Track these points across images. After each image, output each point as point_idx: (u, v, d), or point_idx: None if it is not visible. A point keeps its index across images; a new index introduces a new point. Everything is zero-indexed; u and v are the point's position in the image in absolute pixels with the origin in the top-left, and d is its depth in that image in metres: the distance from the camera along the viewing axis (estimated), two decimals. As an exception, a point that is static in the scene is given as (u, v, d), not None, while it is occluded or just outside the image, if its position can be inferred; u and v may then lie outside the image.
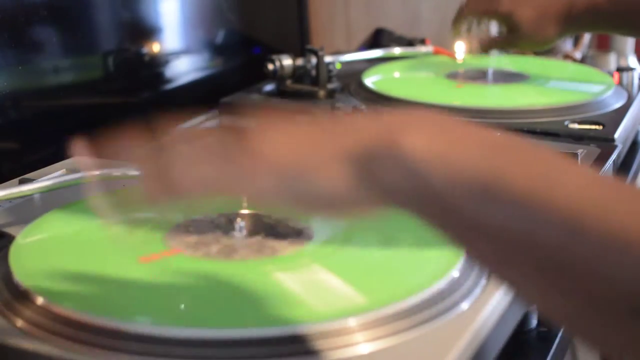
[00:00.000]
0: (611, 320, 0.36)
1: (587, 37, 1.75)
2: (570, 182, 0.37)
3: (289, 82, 1.19)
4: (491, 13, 1.04)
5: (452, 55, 1.25)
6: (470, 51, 1.15)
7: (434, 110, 0.42)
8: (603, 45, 1.82)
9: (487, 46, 1.08)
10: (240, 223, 0.60)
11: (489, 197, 0.37)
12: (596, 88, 1.07)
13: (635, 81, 1.10)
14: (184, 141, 0.46)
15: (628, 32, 1.04)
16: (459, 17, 1.08)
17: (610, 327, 0.37)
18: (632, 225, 0.34)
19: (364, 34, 1.55)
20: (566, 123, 0.94)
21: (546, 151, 0.39)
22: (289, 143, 0.43)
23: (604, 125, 0.94)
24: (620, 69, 1.13)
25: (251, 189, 0.44)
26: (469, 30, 1.08)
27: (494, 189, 0.37)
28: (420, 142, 0.40)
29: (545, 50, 1.16)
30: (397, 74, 1.30)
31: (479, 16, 1.08)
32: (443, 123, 0.41)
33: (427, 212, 0.41)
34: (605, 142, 0.91)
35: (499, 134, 0.40)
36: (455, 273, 0.54)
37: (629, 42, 1.74)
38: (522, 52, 1.30)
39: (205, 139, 0.46)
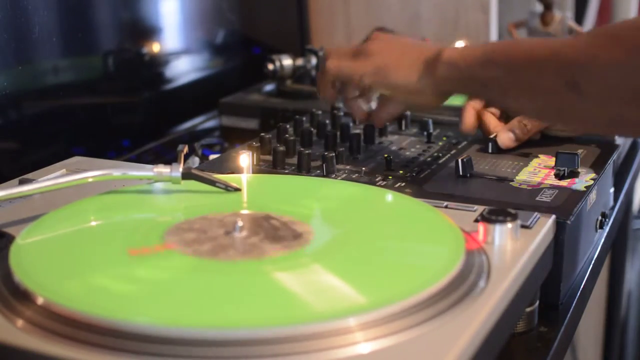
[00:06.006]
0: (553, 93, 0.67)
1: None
2: (518, 49, 0.71)
3: (289, 82, 1.19)
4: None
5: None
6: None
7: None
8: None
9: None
10: (240, 223, 0.60)
11: (486, 64, 0.72)
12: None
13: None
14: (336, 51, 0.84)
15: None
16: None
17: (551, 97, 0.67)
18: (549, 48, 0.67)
19: (364, 34, 1.55)
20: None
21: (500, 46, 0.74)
22: (387, 50, 0.80)
23: (604, 125, 0.94)
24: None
25: (363, 73, 0.80)
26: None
27: (488, 61, 0.72)
28: (451, 52, 0.75)
29: None
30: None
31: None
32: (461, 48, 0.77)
33: (457, 85, 0.75)
34: (605, 142, 0.91)
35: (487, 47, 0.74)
36: (455, 273, 0.54)
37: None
38: None
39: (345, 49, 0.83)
